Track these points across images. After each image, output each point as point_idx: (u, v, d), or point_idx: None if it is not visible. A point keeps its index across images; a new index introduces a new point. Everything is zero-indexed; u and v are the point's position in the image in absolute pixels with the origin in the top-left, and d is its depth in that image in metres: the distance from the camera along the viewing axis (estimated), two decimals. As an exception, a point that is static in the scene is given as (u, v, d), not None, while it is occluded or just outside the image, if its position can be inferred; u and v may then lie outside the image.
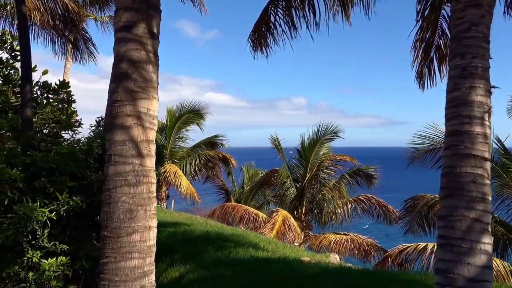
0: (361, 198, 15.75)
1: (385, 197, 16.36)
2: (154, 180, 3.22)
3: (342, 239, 13.87)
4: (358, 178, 15.94)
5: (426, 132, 11.18)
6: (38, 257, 4.63)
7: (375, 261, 13.22)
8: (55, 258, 4.64)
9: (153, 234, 3.11)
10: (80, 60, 15.90)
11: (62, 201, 4.76)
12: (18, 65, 6.54)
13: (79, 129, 6.23)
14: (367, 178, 16.22)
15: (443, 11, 6.44)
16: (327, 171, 15.32)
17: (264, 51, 6.74)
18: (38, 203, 4.68)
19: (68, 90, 6.48)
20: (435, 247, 10.13)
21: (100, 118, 6.31)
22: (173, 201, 19.04)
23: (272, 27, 6.60)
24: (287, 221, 13.21)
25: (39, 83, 6.48)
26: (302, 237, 14.91)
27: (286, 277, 6.03)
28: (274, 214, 13.35)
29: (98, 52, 15.47)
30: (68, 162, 5.00)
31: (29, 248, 4.68)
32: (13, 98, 6.43)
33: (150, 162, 3.19)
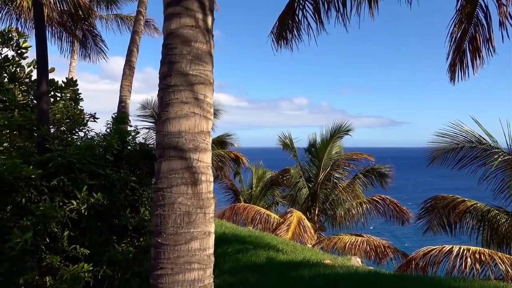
0: (376, 198, 15.41)
1: (393, 198, 16.05)
2: (212, 178, 2.80)
3: (357, 241, 13.48)
4: (372, 177, 15.61)
5: (448, 131, 10.85)
6: (58, 262, 4.29)
7: (393, 263, 12.85)
8: (77, 264, 4.29)
9: (212, 241, 2.68)
10: (89, 57, 15.62)
11: (81, 199, 4.41)
12: (24, 62, 6.33)
13: (92, 125, 5.92)
14: (381, 178, 15.91)
15: (481, 0, 6.09)
16: (341, 170, 14.94)
17: (289, 44, 6.38)
18: (57, 203, 4.34)
19: (75, 88, 6.14)
20: (461, 249, 9.85)
21: (116, 114, 5.96)
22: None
23: (297, 20, 6.25)
24: (302, 222, 12.85)
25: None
26: (315, 238, 14.55)
27: (316, 282, 5.68)
28: (288, 215, 12.99)
29: (108, 48, 15.19)
30: (88, 159, 4.66)
31: (48, 252, 4.34)
32: (20, 96, 6.16)
33: (208, 157, 2.78)
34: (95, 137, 5.45)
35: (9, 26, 7.23)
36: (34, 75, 6.29)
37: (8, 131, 5.55)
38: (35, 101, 6.18)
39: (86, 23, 14.40)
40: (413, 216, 15.85)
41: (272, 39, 6.57)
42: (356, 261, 9.14)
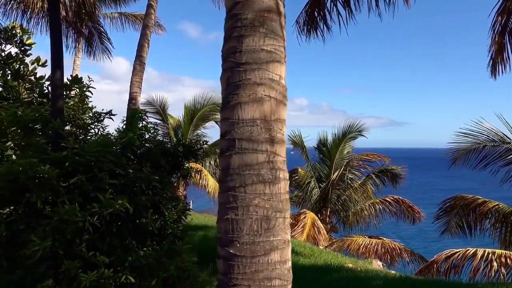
0: (388, 199, 15.04)
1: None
2: (288, 176, 2.35)
3: (372, 243, 13.08)
4: (384, 178, 15.24)
5: (469, 130, 10.47)
6: (76, 268, 3.91)
7: (409, 266, 12.46)
8: (96, 271, 3.91)
9: (290, 252, 2.29)
10: (93, 56, 15.23)
11: (105, 202, 4.03)
12: (28, 60, 6.07)
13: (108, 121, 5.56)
14: (393, 178, 15.56)
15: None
16: (354, 171, 14.56)
17: (318, 34, 5.99)
18: (77, 206, 3.95)
19: (81, 85, 5.79)
20: (486, 253, 9.48)
21: (134, 110, 5.58)
22: (191, 201, 18.25)
23: (326, 9, 5.85)
24: (315, 223, 12.46)
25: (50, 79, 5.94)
26: (327, 240, 14.17)
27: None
28: (302, 216, 12.60)
29: (113, 47, 14.80)
30: (108, 157, 4.27)
31: (65, 259, 3.96)
32: (24, 94, 5.84)
33: (284, 150, 2.32)
34: (113, 133, 5.09)
35: (13, 22, 6.94)
36: (39, 73, 6.06)
37: (15, 128, 5.18)
38: (39, 99, 5.87)
39: (92, 19, 14.04)
40: (425, 216, 15.56)
41: (298, 29, 6.19)
42: (377, 265, 8.76)
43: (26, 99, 5.92)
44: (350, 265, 7.90)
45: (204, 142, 5.59)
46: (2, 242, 4.04)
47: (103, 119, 5.24)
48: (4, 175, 3.95)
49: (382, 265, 9.49)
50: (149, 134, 5.06)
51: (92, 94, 5.09)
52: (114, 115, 5.34)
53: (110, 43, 14.91)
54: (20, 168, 3.91)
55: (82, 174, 4.18)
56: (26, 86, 6.14)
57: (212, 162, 16.14)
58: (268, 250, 2.12)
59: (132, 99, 9.69)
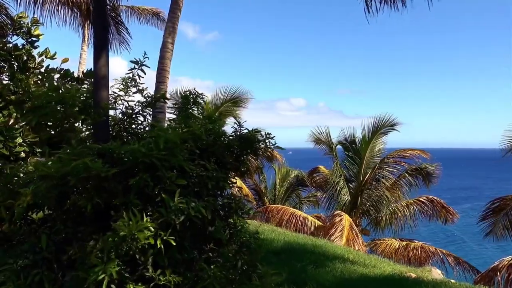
0: (422, 199, 14.11)
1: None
2: None
3: (410, 246, 12.18)
4: (419, 176, 14.30)
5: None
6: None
7: (454, 272, 11.54)
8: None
9: None
10: (110, 48, 14.26)
11: (173, 208, 3.14)
12: (35, 52, 5.67)
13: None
14: (427, 177, 14.65)
15: None
16: (389, 169, 13.62)
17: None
18: (140, 214, 3.05)
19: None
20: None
21: (189, 92, 4.64)
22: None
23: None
24: (352, 226, 11.53)
25: (61, 71, 5.55)
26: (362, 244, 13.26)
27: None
28: (337, 218, 11.64)
29: (131, 38, 13.88)
30: (175, 153, 3.39)
31: (129, 281, 3.06)
32: (33, 87, 5.24)
33: None
34: (172, 122, 4.20)
35: (20, 12, 6.34)
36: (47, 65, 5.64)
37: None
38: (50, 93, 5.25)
39: (108, 7, 13.12)
40: (459, 217, 14.62)
41: (366, 2, 5.33)
42: (437, 273, 7.87)
43: (36, 93, 5.24)
44: (412, 275, 7.04)
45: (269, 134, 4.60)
46: (44, 258, 3.15)
47: (155, 103, 4.36)
48: (50, 179, 3.07)
49: (442, 273, 8.58)
50: (214, 124, 4.16)
51: (145, 73, 4.19)
52: (168, 99, 4.45)
53: (128, 33, 13.92)
54: (70, 170, 3.02)
55: (144, 172, 3.28)
56: (35, 80, 5.60)
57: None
58: None
59: (160, 90, 8.76)
